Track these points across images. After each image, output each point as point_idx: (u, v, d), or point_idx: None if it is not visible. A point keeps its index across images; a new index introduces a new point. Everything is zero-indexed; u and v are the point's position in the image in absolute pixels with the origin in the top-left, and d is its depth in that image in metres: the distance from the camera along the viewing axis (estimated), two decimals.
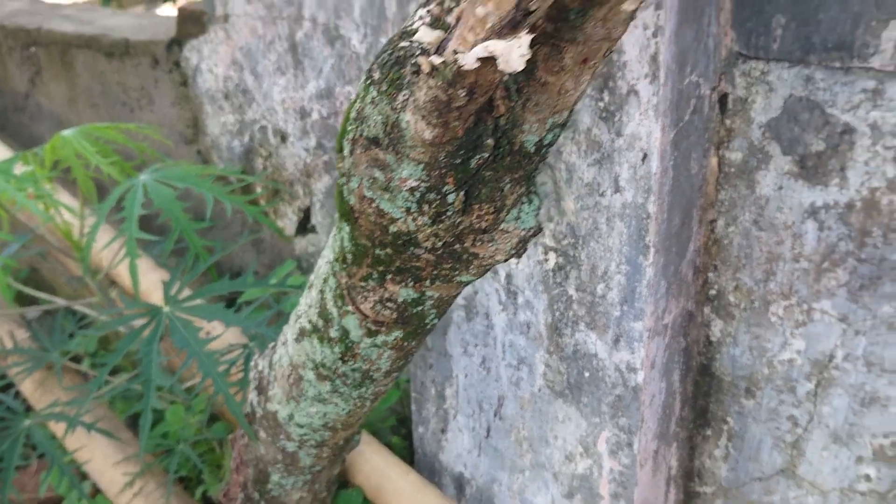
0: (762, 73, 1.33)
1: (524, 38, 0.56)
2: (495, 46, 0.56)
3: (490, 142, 0.72)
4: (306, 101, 1.93)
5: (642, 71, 1.18)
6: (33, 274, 2.83)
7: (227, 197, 1.61)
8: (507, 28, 0.57)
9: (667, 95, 1.19)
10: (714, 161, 1.42)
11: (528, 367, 1.54)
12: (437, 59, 0.61)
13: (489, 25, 0.57)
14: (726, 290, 1.49)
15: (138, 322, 1.67)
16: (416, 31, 0.69)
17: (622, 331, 1.37)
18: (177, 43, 2.14)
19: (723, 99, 1.38)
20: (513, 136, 0.74)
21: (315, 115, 1.93)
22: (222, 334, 1.68)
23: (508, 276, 1.49)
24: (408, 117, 0.69)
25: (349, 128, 0.78)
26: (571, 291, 1.41)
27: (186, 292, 1.86)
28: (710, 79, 1.33)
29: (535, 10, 0.56)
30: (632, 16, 0.59)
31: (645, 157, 1.23)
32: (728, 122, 1.39)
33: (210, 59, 2.10)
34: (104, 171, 1.62)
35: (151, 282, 1.87)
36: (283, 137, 2.03)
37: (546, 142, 0.76)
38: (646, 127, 1.21)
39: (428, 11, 0.69)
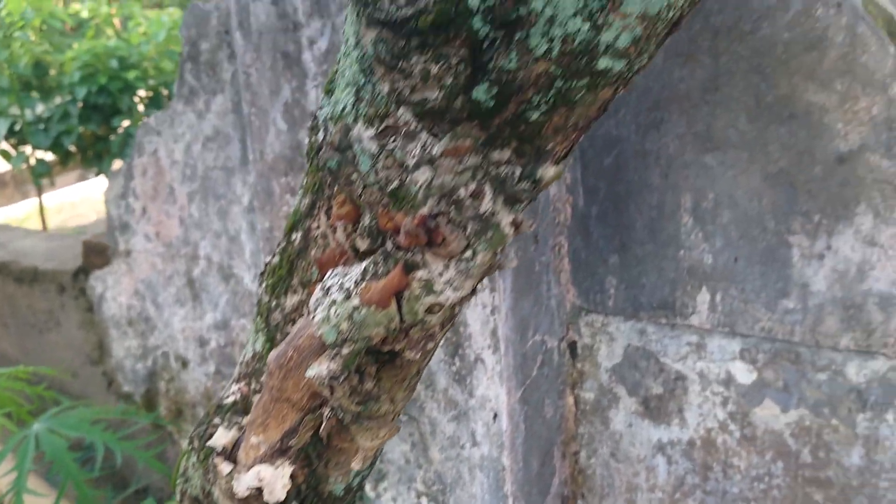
0: (603, 324, 1.48)
1: (286, 470, 0.66)
2: (265, 473, 0.66)
3: (295, 503, 0.81)
4: (204, 330, 2.02)
5: (485, 342, 1.31)
6: None
7: (118, 444, 1.67)
8: (276, 455, 0.67)
9: (509, 362, 1.32)
10: (571, 400, 1.54)
11: None
12: (226, 468, 0.71)
13: (261, 452, 0.67)
14: None
15: None
16: (226, 407, 0.79)
17: None
18: (83, 271, 2.24)
19: (573, 346, 1.52)
20: (320, 489, 0.83)
21: (213, 344, 2.02)
22: None
23: None
24: (217, 492, 0.78)
25: (179, 480, 0.87)
26: None
27: None
28: (556, 332, 1.47)
29: (294, 445, 0.67)
30: (391, 430, 0.70)
31: (495, 416, 1.34)
32: (579, 365, 1.53)
33: (114, 289, 2.19)
34: None
35: None
36: (184, 363, 2.11)
37: (354, 485, 0.86)
38: (493, 390, 1.33)
39: (238, 389, 0.80)
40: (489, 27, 0.54)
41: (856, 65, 1.15)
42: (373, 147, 0.57)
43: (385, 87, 0.58)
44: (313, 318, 0.61)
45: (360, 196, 0.59)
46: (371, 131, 0.58)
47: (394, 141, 0.56)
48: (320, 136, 0.66)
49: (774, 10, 1.18)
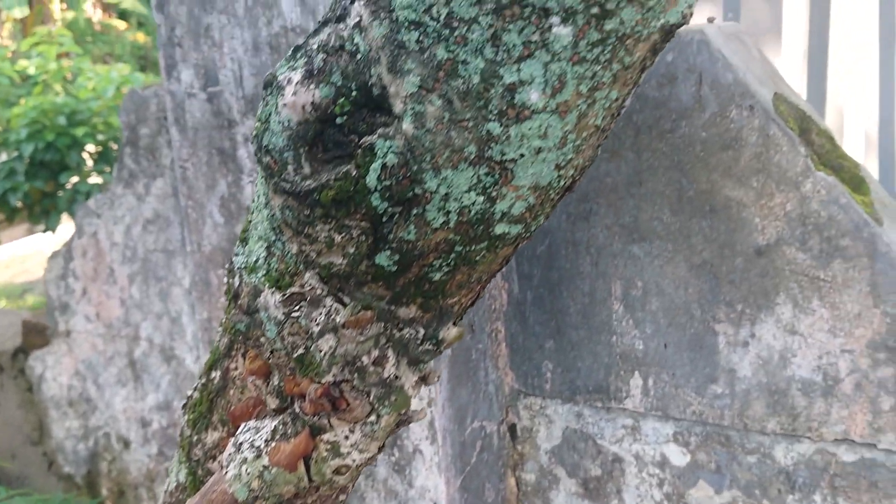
0: (541, 407, 1.50)
1: None
2: None
3: None
4: (147, 411, 2.00)
5: (423, 434, 1.32)
6: None
7: None
8: None
9: (447, 452, 1.33)
10: (512, 482, 1.55)
11: None
12: None
13: None
14: None
15: None
16: None
17: None
18: (22, 351, 2.20)
19: (512, 428, 1.54)
20: None
21: (155, 425, 1.99)
22: None
23: None
24: None
25: None
26: None
27: None
28: (495, 416, 1.48)
29: None
30: None
31: None
32: (519, 447, 1.54)
33: (54, 369, 2.16)
34: None
35: None
36: (126, 444, 2.08)
37: None
38: (432, 480, 1.33)
39: None
40: (387, 204, 0.56)
41: (769, 163, 1.20)
42: (279, 314, 0.59)
43: (293, 248, 0.60)
44: (226, 473, 0.62)
45: (269, 358, 0.60)
46: (278, 296, 0.59)
47: (299, 308, 0.58)
48: (235, 281, 0.67)
49: (692, 111, 1.23)
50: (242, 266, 0.66)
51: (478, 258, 0.60)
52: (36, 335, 2.14)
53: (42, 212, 5.99)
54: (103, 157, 5.77)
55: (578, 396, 1.45)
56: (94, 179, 4.60)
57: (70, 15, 10.11)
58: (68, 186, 5.84)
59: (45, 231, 6.34)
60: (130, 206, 1.81)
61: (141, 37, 10.37)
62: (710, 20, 1.33)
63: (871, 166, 3.19)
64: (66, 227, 6.12)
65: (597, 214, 1.35)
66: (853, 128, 3.15)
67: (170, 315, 1.84)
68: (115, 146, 5.66)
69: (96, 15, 10.87)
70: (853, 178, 1.26)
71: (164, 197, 1.74)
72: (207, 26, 1.32)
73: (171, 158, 1.70)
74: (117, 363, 2.00)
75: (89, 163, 5.88)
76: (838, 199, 1.17)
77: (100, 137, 5.83)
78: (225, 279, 0.70)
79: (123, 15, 10.88)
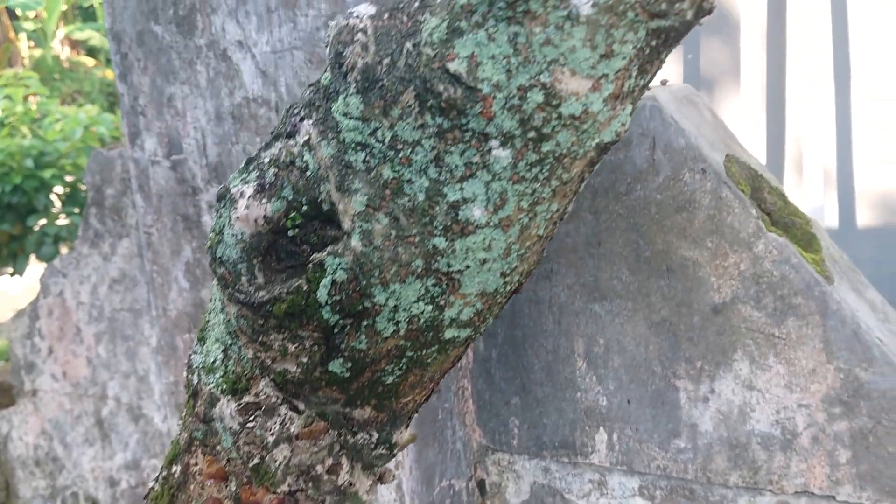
0: (509, 462, 1.51)
1: None
2: None
3: None
4: (115, 470, 1.98)
5: (391, 497, 1.33)
6: None
7: None
8: None
9: None
10: None
11: None
12: None
13: None
14: None
15: None
16: None
17: None
18: None
19: (481, 484, 1.55)
20: None
21: (124, 484, 1.97)
22: None
23: None
24: None
25: None
26: None
27: None
28: (463, 473, 1.49)
29: None
30: None
31: None
32: (489, 503, 1.55)
33: (20, 428, 2.14)
34: None
35: None
36: (95, 503, 2.05)
37: None
38: None
39: None
40: (338, 316, 0.58)
41: (723, 225, 1.23)
42: (234, 424, 0.60)
43: (249, 353, 0.61)
44: None
45: (226, 465, 0.61)
46: (234, 406, 0.60)
47: (254, 419, 0.59)
48: (195, 378, 0.68)
49: (646, 174, 1.27)
50: (200, 365, 0.67)
51: (429, 360, 0.61)
52: (2, 395, 2.12)
53: (9, 255, 5.91)
54: (72, 199, 5.71)
55: (545, 452, 1.47)
56: (63, 221, 4.57)
57: (38, 53, 10.06)
58: (36, 229, 5.77)
59: (12, 275, 6.26)
60: (96, 265, 1.81)
61: (110, 74, 10.34)
62: (664, 83, 1.37)
63: (829, 201, 3.27)
64: (34, 269, 6.04)
65: (558, 274, 1.38)
66: (811, 163, 3.22)
67: (137, 374, 1.84)
68: (83, 187, 5.62)
69: (64, 52, 10.81)
70: (805, 235, 1.30)
71: (130, 257, 1.74)
72: (170, 96, 1.34)
73: (136, 219, 1.71)
74: (84, 422, 1.98)
75: (58, 204, 5.82)
76: (790, 259, 1.21)
77: (68, 179, 5.77)
78: (185, 374, 0.71)
79: (92, 52, 10.83)
